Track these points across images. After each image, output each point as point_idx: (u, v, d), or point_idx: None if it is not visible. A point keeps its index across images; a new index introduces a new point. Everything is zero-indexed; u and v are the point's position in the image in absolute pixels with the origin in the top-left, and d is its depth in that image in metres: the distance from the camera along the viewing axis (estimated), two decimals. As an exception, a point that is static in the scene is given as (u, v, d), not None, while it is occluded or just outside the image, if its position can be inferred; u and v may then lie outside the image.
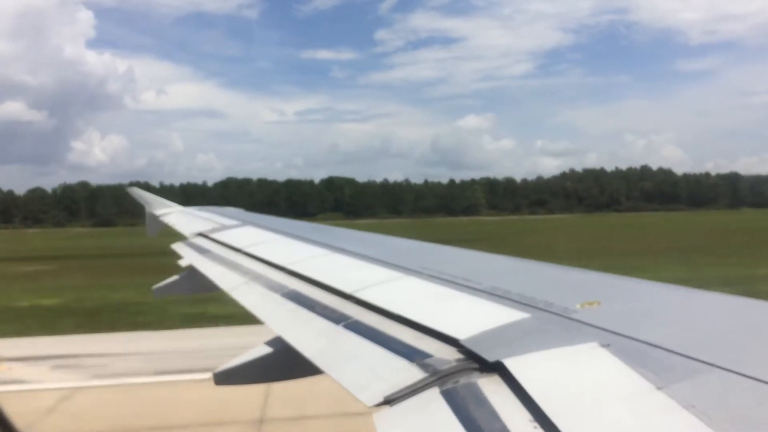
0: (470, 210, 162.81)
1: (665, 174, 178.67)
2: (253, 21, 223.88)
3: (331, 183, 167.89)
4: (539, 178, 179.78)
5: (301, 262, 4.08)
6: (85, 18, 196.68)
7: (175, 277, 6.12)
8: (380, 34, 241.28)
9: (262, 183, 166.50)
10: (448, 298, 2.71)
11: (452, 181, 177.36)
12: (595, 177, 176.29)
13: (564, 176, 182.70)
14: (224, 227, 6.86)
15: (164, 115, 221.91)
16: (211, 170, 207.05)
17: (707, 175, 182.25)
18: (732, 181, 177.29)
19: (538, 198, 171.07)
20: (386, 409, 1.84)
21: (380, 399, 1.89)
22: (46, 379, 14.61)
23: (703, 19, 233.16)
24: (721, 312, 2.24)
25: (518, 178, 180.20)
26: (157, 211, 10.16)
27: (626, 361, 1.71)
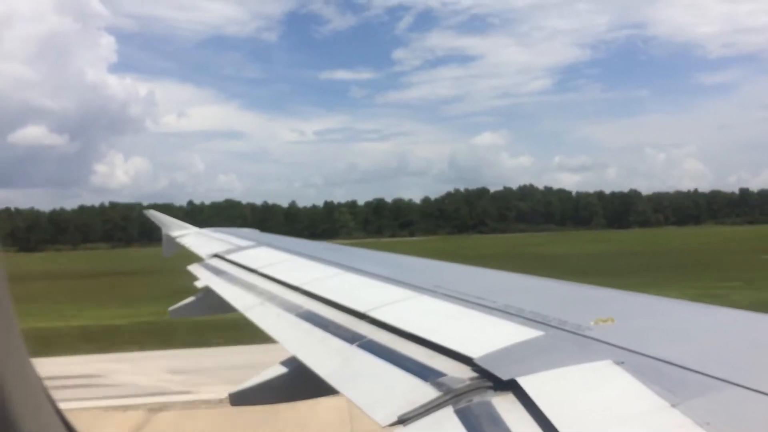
0: (336, 232, 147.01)
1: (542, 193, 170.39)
2: (272, 43, 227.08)
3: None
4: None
5: (314, 282, 4.09)
6: (107, 43, 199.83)
7: (191, 298, 6.15)
8: (398, 54, 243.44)
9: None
10: (462, 316, 2.71)
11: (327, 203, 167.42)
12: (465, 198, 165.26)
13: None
14: (239, 248, 6.90)
15: (186, 137, 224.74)
16: (231, 191, 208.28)
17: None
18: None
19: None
20: (400, 429, 1.84)
21: (394, 418, 1.89)
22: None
23: (720, 32, 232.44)
24: (736, 327, 2.22)
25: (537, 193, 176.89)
26: (174, 233, 10.24)
27: (641, 379, 1.70)
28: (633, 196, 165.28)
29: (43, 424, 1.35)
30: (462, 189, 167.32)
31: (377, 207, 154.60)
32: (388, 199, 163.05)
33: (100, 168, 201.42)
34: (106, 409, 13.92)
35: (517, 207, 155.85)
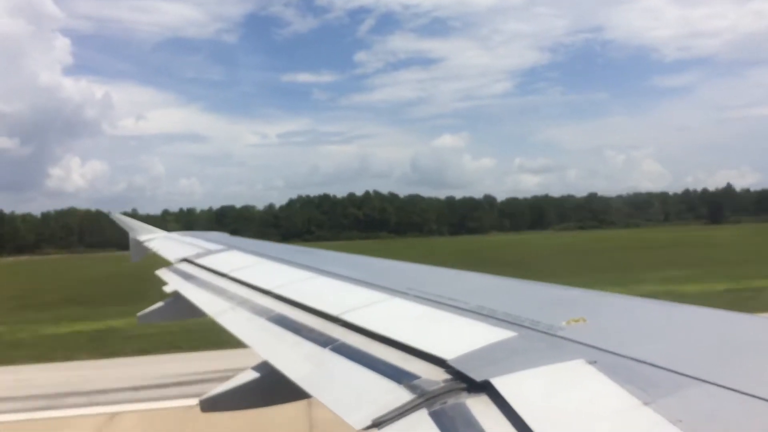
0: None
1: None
2: (233, 45, 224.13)
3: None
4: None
5: (286, 285, 4.06)
6: (62, 45, 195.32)
7: (159, 304, 6.05)
8: (360, 56, 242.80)
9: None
10: (435, 318, 2.71)
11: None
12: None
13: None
14: (209, 252, 6.82)
15: (146, 141, 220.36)
16: (191, 195, 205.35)
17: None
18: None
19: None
20: None
21: (369, 422, 1.88)
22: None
23: (676, 35, 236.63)
24: (706, 326, 2.26)
25: (499, 196, 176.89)
26: (141, 237, 10.08)
27: (613, 378, 1.71)
28: (483, 201, 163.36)
29: None
30: (311, 195, 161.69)
31: (221, 213, 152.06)
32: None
33: (56, 171, 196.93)
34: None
35: (354, 215, 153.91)
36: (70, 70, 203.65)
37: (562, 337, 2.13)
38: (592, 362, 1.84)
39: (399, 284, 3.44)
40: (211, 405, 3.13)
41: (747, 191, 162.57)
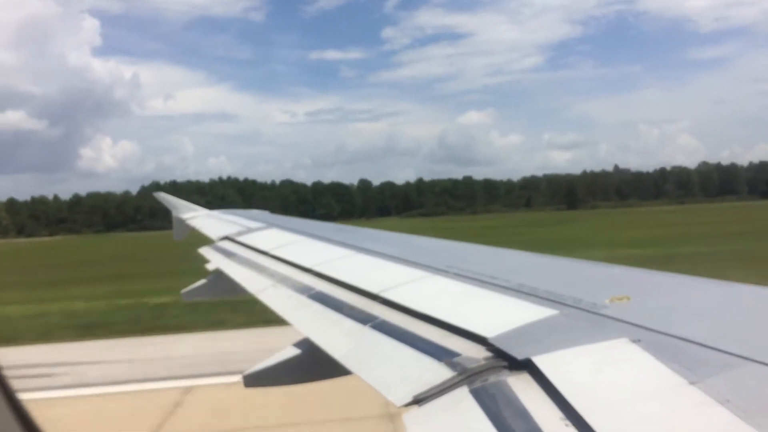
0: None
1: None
2: (260, 24, 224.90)
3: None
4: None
5: (326, 263, 4.09)
6: (90, 26, 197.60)
7: (203, 281, 6.18)
8: (387, 32, 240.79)
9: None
10: (475, 296, 2.70)
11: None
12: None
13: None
14: (249, 230, 6.91)
15: (176, 120, 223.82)
16: (221, 173, 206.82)
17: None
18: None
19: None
20: (415, 409, 1.84)
21: (409, 399, 1.89)
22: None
23: (712, 5, 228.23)
24: (754, 304, 2.20)
25: (528, 172, 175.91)
26: (184, 215, 10.26)
27: (658, 357, 1.69)
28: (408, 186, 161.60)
29: None
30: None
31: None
32: (376, 182, 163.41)
33: (86, 152, 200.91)
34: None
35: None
36: (99, 51, 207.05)
37: (605, 316, 2.10)
38: (636, 341, 1.82)
39: (438, 262, 3.44)
40: (254, 380, 3.19)
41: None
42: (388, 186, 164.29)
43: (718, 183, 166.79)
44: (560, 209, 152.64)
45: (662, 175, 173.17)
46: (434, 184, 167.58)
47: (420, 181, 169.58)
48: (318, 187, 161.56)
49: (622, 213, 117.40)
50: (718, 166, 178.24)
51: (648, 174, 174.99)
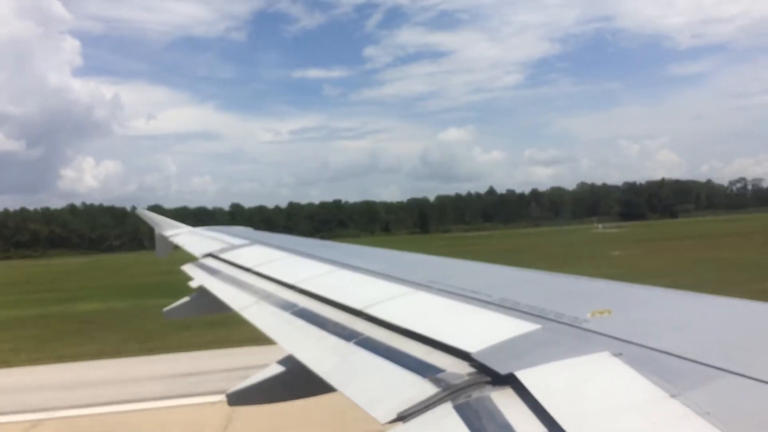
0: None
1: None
2: (242, 43, 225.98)
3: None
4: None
5: (310, 279, 4.09)
6: (71, 47, 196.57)
7: (186, 299, 6.13)
8: (369, 51, 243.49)
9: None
10: (458, 311, 2.71)
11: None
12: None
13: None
14: (233, 247, 6.88)
15: (160, 140, 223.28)
16: (203, 193, 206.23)
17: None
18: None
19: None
20: (400, 426, 1.84)
21: (394, 415, 1.89)
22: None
23: (688, 23, 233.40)
24: (733, 316, 2.23)
25: (511, 187, 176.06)
26: (167, 232, 10.19)
27: (639, 370, 1.70)
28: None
29: None
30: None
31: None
32: (361, 198, 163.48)
33: (67, 173, 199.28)
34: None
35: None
36: (80, 71, 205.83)
37: (586, 330, 2.12)
38: (618, 354, 1.83)
39: (422, 277, 3.44)
40: (237, 399, 3.16)
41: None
42: (258, 210, 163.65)
43: (589, 204, 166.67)
44: (415, 233, 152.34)
45: (535, 195, 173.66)
46: (306, 207, 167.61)
47: (291, 204, 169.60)
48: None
49: (458, 237, 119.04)
50: (593, 187, 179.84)
51: (520, 195, 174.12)
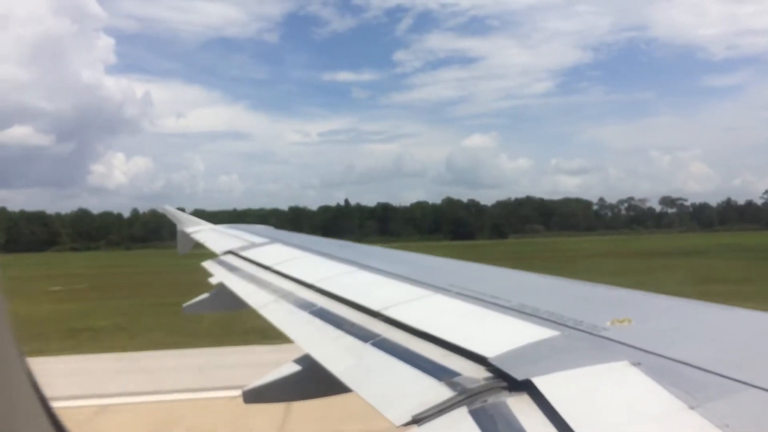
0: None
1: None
2: (274, 45, 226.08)
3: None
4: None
5: (328, 279, 4.10)
6: (105, 45, 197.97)
7: (205, 295, 6.18)
8: (399, 55, 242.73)
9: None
10: (476, 315, 2.70)
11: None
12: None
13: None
14: (253, 245, 6.92)
15: (191, 138, 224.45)
16: (230, 191, 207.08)
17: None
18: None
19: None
20: (414, 429, 1.83)
21: (408, 418, 1.89)
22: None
23: (723, 33, 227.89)
24: (755, 329, 2.19)
25: (537, 195, 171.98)
26: (188, 229, 10.28)
27: (658, 380, 1.68)
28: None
29: (32, 424, 1.34)
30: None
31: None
32: (389, 201, 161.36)
33: (97, 168, 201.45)
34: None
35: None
36: (114, 69, 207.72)
37: (605, 338, 2.10)
38: (637, 364, 1.81)
39: (441, 281, 3.44)
40: (253, 396, 3.19)
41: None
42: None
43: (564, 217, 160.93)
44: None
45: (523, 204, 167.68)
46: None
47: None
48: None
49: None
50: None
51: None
